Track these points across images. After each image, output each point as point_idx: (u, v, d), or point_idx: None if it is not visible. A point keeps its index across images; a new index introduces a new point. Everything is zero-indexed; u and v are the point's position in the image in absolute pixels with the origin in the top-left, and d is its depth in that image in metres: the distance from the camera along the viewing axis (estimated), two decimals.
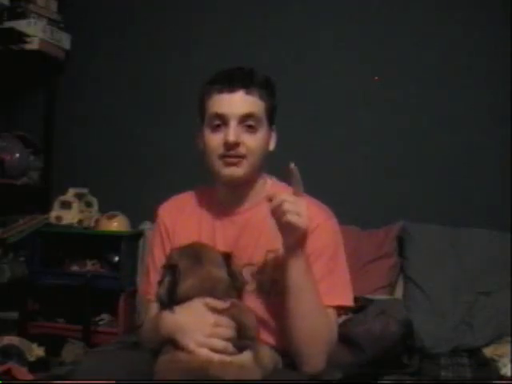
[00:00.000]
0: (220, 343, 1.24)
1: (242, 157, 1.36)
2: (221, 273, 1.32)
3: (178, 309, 1.29)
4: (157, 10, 3.10)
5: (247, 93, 1.37)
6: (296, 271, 1.28)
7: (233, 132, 1.35)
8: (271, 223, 1.38)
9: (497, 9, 2.67)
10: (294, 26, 2.91)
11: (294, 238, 1.26)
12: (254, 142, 1.37)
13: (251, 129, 1.37)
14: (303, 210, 1.24)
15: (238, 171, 1.37)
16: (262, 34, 2.94)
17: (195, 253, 1.33)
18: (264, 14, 2.96)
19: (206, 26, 3.02)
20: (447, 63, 2.74)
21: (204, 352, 1.23)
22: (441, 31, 2.75)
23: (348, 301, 1.41)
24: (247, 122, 1.36)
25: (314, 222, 1.38)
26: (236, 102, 1.36)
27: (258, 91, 1.38)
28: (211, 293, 1.29)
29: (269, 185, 1.48)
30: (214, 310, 1.27)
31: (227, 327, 1.26)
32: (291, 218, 1.22)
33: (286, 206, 1.22)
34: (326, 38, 2.87)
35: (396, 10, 2.80)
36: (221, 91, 1.37)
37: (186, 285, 1.30)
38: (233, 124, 1.35)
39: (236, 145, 1.35)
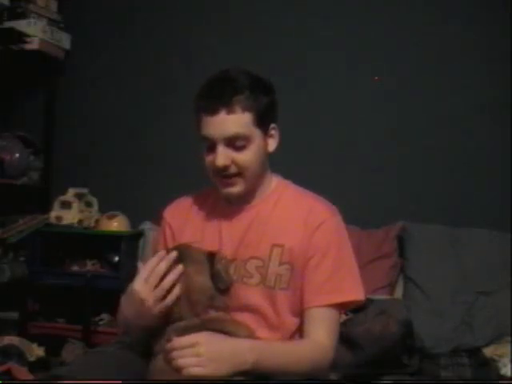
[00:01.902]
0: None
1: (237, 175, 1.37)
2: (201, 277, 1.31)
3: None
4: (157, 9, 3.11)
5: (229, 112, 1.32)
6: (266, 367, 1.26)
7: (220, 156, 1.34)
8: (277, 217, 1.40)
9: (497, 9, 2.67)
10: (293, 26, 2.91)
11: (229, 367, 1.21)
12: (244, 159, 1.36)
13: (240, 147, 1.35)
14: (203, 349, 1.19)
15: (234, 190, 1.38)
16: (262, 34, 2.94)
17: (179, 255, 1.32)
18: (264, 13, 2.96)
19: (205, 26, 3.02)
20: (447, 63, 2.74)
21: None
22: (441, 31, 2.75)
23: (359, 295, 1.40)
24: (235, 142, 1.34)
25: (319, 219, 1.39)
26: (219, 125, 1.33)
27: (241, 104, 1.33)
28: (192, 304, 1.29)
29: (274, 182, 1.48)
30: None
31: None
32: (192, 370, 1.17)
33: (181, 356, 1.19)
34: (326, 37, 2.87)
35: (396, 9, 2.80)
36: (205, 112, 1.35)
37: None
38: (220, 148, 1.34)
39: (225, 167, 1.35)
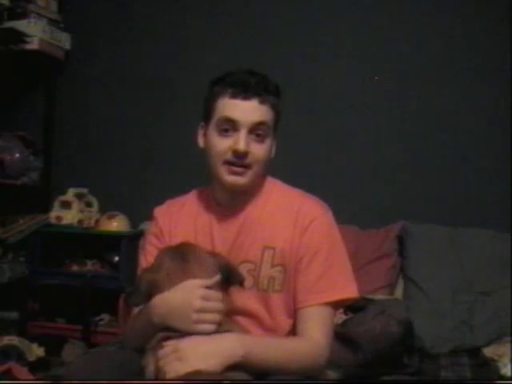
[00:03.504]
0: (212, 317, 1.23)
1: (248, 166, 1.36)
2: (206, 276, 1.30)
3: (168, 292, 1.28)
4: (157, 10, 3.10)
5: (261, 102, 1.36)
6: (257, 363, 1.25)
7: (243, 141, 1.34)
8: (267, 219, 1.40)
9: (497, 8, 2.67)
10: (294, 26, 2.91)
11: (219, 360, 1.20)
12: (261, 151, 1.37)
13: (259, 138, 1.37)
14: (186, 352, 1.18)
15: (241, 180, 1.37)
16: (263, 34, 2.94)
17: (182, 254, 1.32)
18: (264, 14, 2.95)
19: (206, 26, 3.02)
20: (447, 63, 2.74)
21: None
22: (441, 31, 2.75)
23: (352, 293, 1.40)
24: (257, 130, 1.36)
25: (308, 218, 1.39)
26: (249, 110, 1.35)
27: (270, 100, 1.38)
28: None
29: (265, 182, 1.48)
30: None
31: (217, 300, 1.25)
32: (180, 370, 1.17)
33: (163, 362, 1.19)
34: (326, 38, 2.87)
35: (396, 9, 2.80)
36: (234, 96, 1.35)
37: (171, 287, 1.28)
38: (243, 132, 1.35)
39: (246, 154, 1.34)
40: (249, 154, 1.35)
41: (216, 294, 1.25)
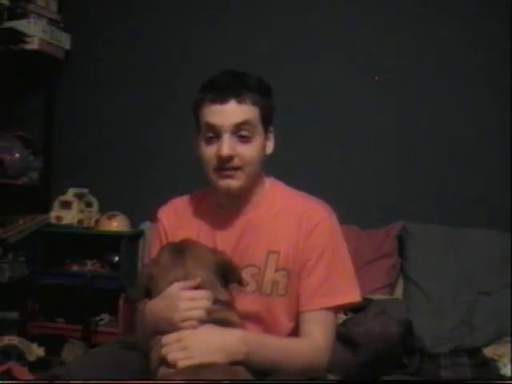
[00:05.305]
0: (197, 313, 1.23)
1: (238, 168, 1.35)
2: (204, 271, 1.30)
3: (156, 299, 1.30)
4: (157, 9, 3.11)
5: (239, 101, 1.33)
6: (258, 360, 1.25)
7: (226, 145, 1.32)
8: (270, 223, 1.39)
9: (497, 8, 2.67)
10: (294, 26, 2.91)
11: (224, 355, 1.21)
12: (249, 152, 1.35)
13: (246, 138, 1.34)
14: (190, 341, 1.20)
15: (234, 183, 1.36)
16: (262, 34, 2.94)
17: (179, 249, 1.33)
18: (264, 14, 2.96)
19: (205, 25, 3.02)
20: (447, 63, 2.74)
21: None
22: (441, 31, 2.75)
23: (354, 297, 1.40)
24: (241, 131, 1.34)
25: (314, 221, 1.39)
26: (228, 113, 1.33)
27: (251, 97, 1.34)
28: None
29: (267, 184, 1.47)
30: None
31: (203, 299, 1.25)
32: (182, 363, 1.18)
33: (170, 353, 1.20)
34: (325, 37, 2.87)
35: (396, 9, 2.80)
36: (213, 101, 1.34)
37: (166, 281, 1.29)
38: (226, 136, 1.33)
39: (230, 158, 1.33)
40: (235, 157, 1.33)
41: (200, 293, 1.25)
